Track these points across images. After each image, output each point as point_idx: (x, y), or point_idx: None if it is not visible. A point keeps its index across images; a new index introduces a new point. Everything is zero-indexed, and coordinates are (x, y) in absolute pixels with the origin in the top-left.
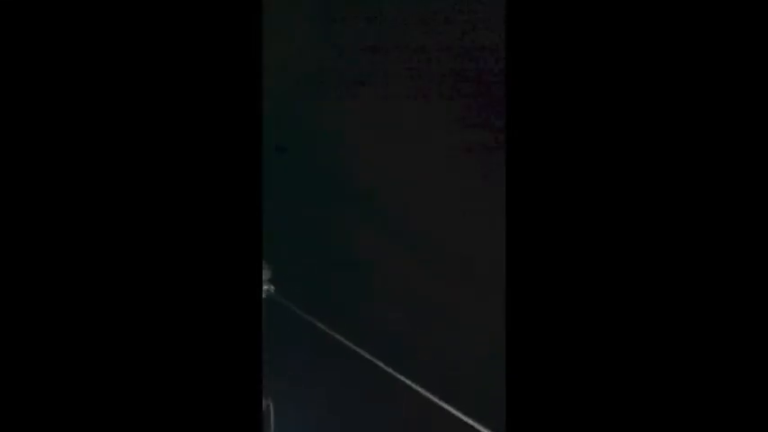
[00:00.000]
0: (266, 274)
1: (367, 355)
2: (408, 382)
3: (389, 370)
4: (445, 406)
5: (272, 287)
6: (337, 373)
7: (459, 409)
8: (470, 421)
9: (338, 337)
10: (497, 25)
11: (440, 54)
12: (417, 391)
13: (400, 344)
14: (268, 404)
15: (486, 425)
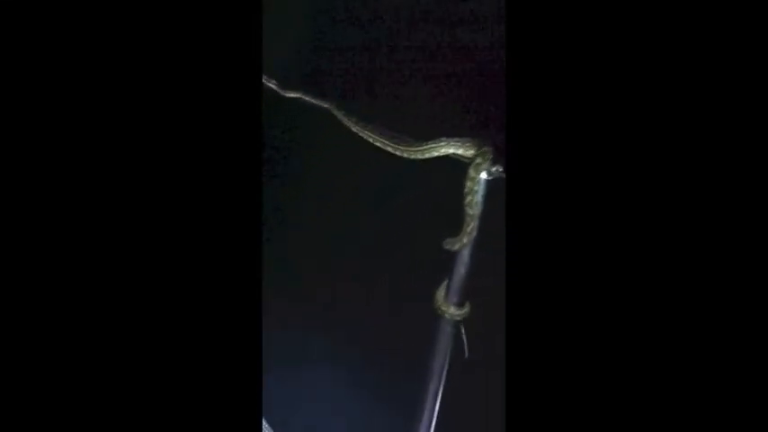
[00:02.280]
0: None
1: None
2: None
3: None
4: None
5: (501, 168)
6: None
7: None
8: None
9: None
10: (497, 25)
11: (440, 54)
12: None
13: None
14: (464, 313)
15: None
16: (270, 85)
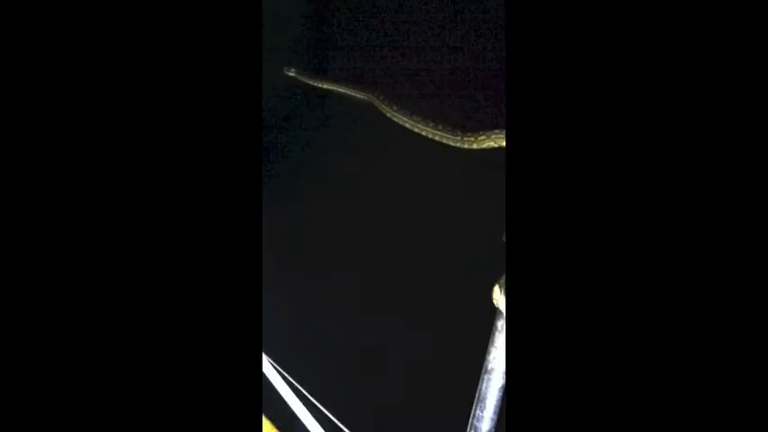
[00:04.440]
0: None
1: None
2: None
3: None
4: None
5: None
6: None
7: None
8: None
9: None
10: (497, 25)
11: (440, 54)
12: None
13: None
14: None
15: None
16: (290, 74)
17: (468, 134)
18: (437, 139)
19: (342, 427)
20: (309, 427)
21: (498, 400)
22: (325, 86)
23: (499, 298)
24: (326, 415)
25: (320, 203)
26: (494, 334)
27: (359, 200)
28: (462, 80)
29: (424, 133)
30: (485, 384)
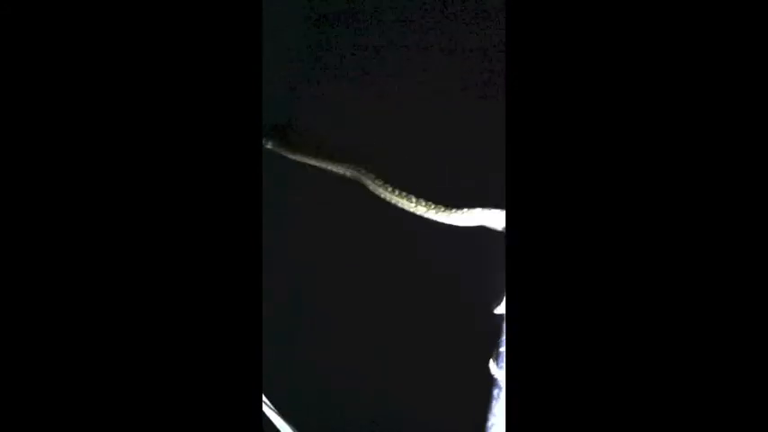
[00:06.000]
0: None
1: None
2: None
3: None
4: None
5: None
6: None
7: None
8: None
9: None
10: (497, 25)
11: (440, 54)
12: None
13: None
14: None
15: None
16: (267, 147)
17: (444, 209)
18: (425, 214)
19: None
20: None
21: None
22: (305, 162)
23: (495, 369)
24: None
25: (321, 204)
26: (491, 402)
27: (362, 204)
28: (462, 82)
29: (401, 205)
30: None
